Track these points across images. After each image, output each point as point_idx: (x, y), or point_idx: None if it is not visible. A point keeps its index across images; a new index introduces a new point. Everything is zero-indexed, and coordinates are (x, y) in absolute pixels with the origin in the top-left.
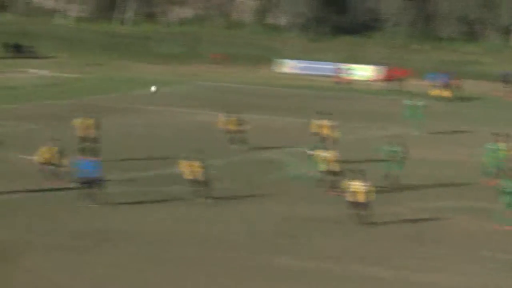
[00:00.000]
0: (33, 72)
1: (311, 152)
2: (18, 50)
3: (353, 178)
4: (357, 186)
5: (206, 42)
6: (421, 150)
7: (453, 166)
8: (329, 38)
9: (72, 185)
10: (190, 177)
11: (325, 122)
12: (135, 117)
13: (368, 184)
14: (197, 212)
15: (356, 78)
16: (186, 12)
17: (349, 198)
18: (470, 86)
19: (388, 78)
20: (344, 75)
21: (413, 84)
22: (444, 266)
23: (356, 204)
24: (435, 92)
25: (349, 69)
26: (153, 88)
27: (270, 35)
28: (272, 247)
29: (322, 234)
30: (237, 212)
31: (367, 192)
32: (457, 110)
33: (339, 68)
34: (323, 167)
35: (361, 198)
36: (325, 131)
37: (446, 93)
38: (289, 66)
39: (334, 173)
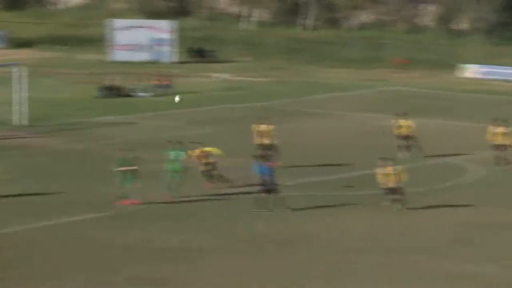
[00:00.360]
0: (215, 76)
1: None
2: (201, 55)
3: None
4: None
5: (388, 46)
6: None
7: None
8: None
9: (242, 189)
10: (385, 184)
11: (501, 129)
12: (316, 122)
13: None
14: (374, 218)
15: None
16: (367, 17)
17: None
18: None
19: None
20: None
21: None
22: None
23: None
24: None
25: None
26: (177, 98)
27: (452, 40)
28: (450, 253)
29: (504, 240)
30: (416, 218)
31: None
32: None
33: None
34: None
35: None
36: (499, 138)
37: None
38: (472, 71)
39: None
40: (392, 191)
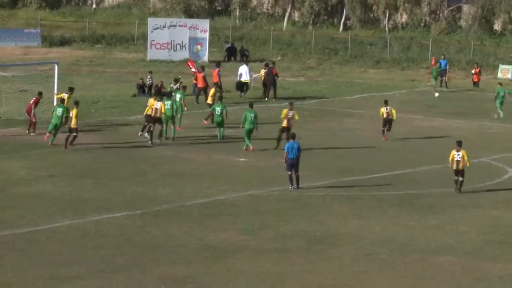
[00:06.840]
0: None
1: None
2: (234, 54)
3: None
4: None
5: (426, 47)
6: None
7: None
8: None
9: None
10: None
11: None
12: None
13: None
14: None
15: None
16: (405, 17)
17: None
18: None
19: None
20: None
21: None
22: None
23: None
24: None
25: None
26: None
27: (492, 40)
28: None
29: None
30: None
31: None
32: None
33: None
34: None
35: None
36: None
37: None
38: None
39: None
40: None
